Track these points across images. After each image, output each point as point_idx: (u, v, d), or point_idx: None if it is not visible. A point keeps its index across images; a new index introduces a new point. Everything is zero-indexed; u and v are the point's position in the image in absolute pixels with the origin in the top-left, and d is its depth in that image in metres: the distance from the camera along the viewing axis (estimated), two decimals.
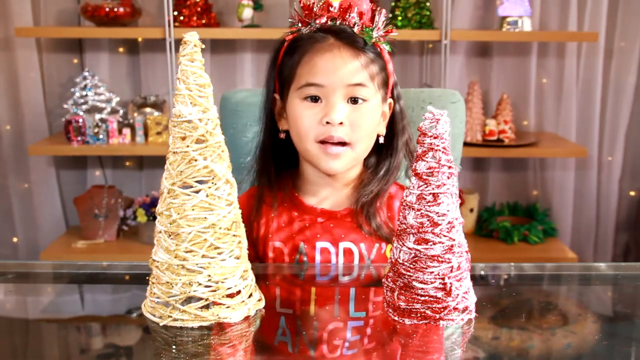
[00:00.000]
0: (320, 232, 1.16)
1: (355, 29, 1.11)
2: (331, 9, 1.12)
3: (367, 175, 1.20)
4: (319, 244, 1.15)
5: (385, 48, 1.15)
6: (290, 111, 1.14)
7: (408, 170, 1.34)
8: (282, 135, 1.18)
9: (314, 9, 1.13)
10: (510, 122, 2.65)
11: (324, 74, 1.10)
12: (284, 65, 1.15)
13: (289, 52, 1.14)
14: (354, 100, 1.11)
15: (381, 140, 1.18)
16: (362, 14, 1.12)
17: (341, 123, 1.09)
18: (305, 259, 1.15)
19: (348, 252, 1.15)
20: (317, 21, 1.12)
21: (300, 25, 1.14)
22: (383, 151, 1.20)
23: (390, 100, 1.19)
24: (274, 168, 1.20)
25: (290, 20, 1.16)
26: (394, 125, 1.20)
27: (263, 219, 1.19)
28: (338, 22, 1.12)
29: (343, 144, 1.11)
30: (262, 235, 1.18)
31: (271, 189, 1.19)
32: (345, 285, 1.04)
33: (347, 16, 1.11)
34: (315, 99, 1.11)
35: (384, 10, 1.14)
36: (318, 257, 1.15)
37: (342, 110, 1.09)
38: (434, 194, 0.83)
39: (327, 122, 1.09)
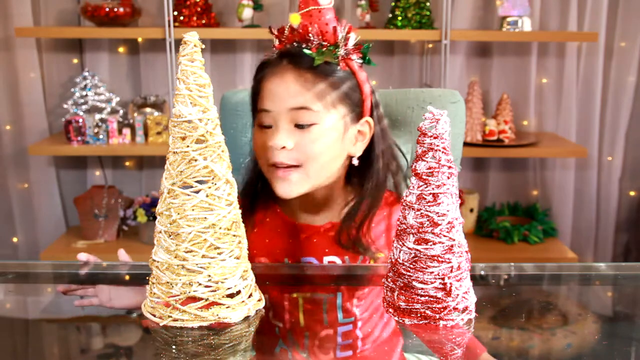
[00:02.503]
0: (303, 247, 1.15)
1: (312, 49, 1.07)
2: (293, 31, 1.09)
3: (349, 194, 1.18)
4: (304, 259, 1.15)
5: (356, 64, 1.11)
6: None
7: (408, 171, 1.34)
8: None
9: (285, 33, 1.11)
10: (510, 122, 2.65)
11: (270, 99, 1.08)
12: (252, 91, 1.14)
13: (255, 78, 1.13)
14: (299, 126, 1.07)
15: (355, 162, 1.14)
16: (325, 33, 1.08)
17: (284, 147, 1.06)
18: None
19: (323, 265, 1.14)
20: (281, 44, 1.10)
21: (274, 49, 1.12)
22: (364, 171, 1.17)
23: (367, 119, 1.15)
24: (260, 185, 1.18)
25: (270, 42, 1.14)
26: (372, 147, 1.16)
27: (246, 234, 1.18)
28: (302, 45, 1.08)
29: (291, 166, 1.08)
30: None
31: (254, 205, 1.18)
32: (344, 284, 1.04)
33: (306, 36, 1.08)
34: (267, 125, 1.09)
35: (350, 26, 1.10)
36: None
37: (285, 136, 1.06)
38: (434, 194, 0.83)
39: (272, 147, 1.07)
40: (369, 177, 1.15)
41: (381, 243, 1.15)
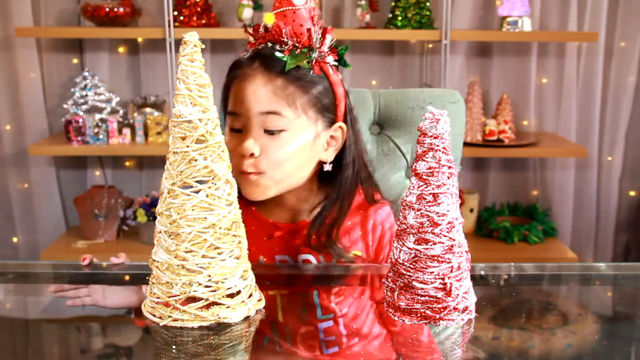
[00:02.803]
0: (278, 245, 1.15)
1: (285, 51, 1.04)
2: (266, 30, 1.06)
3: (322, 195, 1.16)
4: (278, 257, 1.14)
5: (330, 67, 1.09)
6: None
7: (408, 170, 1.34)
8: None
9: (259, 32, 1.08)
10: (510, 122, 2.65)
11: (240, 102, 1.06)
12: (223, 91, 1.12)
13: (227, 78, 1.11)
14: (269, 131, 1.05)
15: (327, 167, 1.12)
16: (299, 34, 1.05)
17: (252, 154, 1.05)
18: None
19: (307, 263, 1.14)
20: (254, 44, 1.07)
21: (248, 48, 1.09)
22: (334, 177, 1.14)
23: (340, 124, 1.12)
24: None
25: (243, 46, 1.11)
26: (342, 154, 1.14)
27: None
28: (275, 45, 1.05)
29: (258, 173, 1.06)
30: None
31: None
32: (343, 284, 1.04)
33: (280, 37, 1.05)
34: (237, 128, 1.07)
35: (325, 28, 1.07)
36: None
37: (253, 142, 1.04)
38: (434, 194, 0.83)
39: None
40: (337, 183, 1.13)
41: (359, 247, 1.14)
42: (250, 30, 1.09)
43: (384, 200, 1.18)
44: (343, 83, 1.13)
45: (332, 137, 1.12)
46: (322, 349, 0.82)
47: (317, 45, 1.06)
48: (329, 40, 1.07)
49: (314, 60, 1.06)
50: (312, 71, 1.06)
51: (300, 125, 1.07)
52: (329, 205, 1.13)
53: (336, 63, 1.11)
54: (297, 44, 1.05)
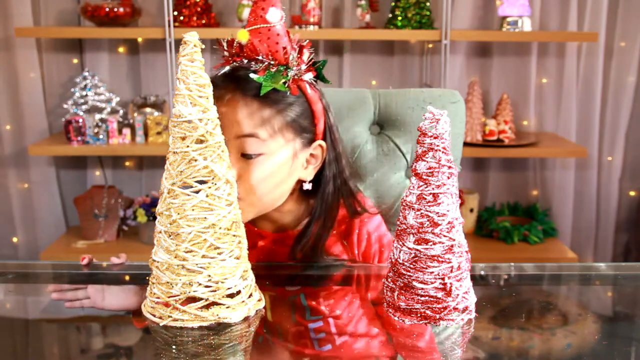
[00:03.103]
0: (261, 255, 1.14)
1: (260, 71, 1.01)
2: (242, 48, 1.03)
3: (306, 209, 1.15)
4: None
5: (307, 85, 1.06)
6: None
7: (408, 170, 1.34)
8: None
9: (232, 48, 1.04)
10: (510, 122, 2.65)
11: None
12: None
13: None
14: (247, 156, 1.02)
15: (306, 186, 1.10)
16: (275, 52, 1.01)
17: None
18: None
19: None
20: (228, 62, 1.04)
21: (223, 62, 1.06)
22: (315, 194, 1.13)
23: (320, 142, 1.10)
24: None
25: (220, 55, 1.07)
26: (322, 171, 1.12)
27: None
28: (250, 62, 1.02)
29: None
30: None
31: None
32: (344, 283, 1.04)
33: (254, 56, 1.02)
34: None
35: (301, 45, 1.04)
36: None
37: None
38: (434, 194, 0.83)
39: None
40: (319, 199, 1.12)
41: (344, 258, 1.14)
42: (225, 45, 1.05)
43: (374, 209, 1.17)
44: (322, 98, 1.10)
45: (311, 155, 1.10)
46: (315, 347, 0.82)
47: (295, 64, 1.03)
48: (306, 56, 1.05)
49: (290, 80, 1.03)
50: (288, 92, 1.03)
51: (277, 147, 1.04)
52: (313, 221, 1.11)
53: (314, 80, 1.08)
54: (272, 63, 1.02)
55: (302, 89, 1.06)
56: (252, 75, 1.01)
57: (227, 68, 1.05)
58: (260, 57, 1.02)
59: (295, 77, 1.04)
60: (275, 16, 1.01)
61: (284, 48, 1.02)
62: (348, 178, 1.15)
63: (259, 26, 1.02)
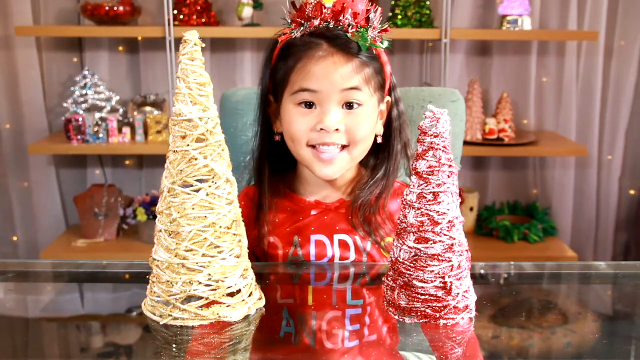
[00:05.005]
0: (314, 225, 1.16)
1: (350, 32, 1.09)
2: (324, 10, 1.09)
3: (365, 175, 1.20)
4: (314, 237, 1.15)
5: (382, 48, 1.13)
6: (284, 116, 1.14)
7: (408, 170, 1.34)
8: (278, 138, 1.18)
9: (307, 11, 1.10)
10: (510, 121, 2.65)
11: (318, 80, 1.09)
12: (278, 70, 1.14)
13: (283, 57, 1.13)
14: (349, 105, 1.10)
15: (379, 140, 1.18)
16: (357, 15, 1.10)
17: (337, 130, 1.09)
18: (300, 252, 1.15)
19: (343, 244, 1.15)
20: (310, 24, 1.10)
21: (293, 26, 1.12)
22: (381, 152, 1.20)
23: (388, 99, 1.18)
24: (270, 169, 1.20)
25: (283, 19, 1.14)
26: (391, 128, 1.19)
27: (258, 217, 1.19)
28: (332, 25, 1.10)
29: (341, 147, 1.11)
30: (257, 233, 1.18)
31: (265, 189, 1.19)
32: (344, 283, 1.04)
33: (340, 18, 1.09)
34: (309, 104, 1.11)
35: (379, 9, 1.11)
36: (313, 250, 1.15)
37: (336, 117, 1.09)
38: (434, 192, 0.83)
39: (322, 129, 1.09)
40: (383, 158, 1.19)
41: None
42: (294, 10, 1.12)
43: None
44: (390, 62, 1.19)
45: (381, 111, 1.18)
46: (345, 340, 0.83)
47: (374, 25, 1.10)
48: (378, 19, 1.12)
49: (371, 40, 1.11)
50: (373, 51, 1.12)
51: (369, 99, 1.12)
52: (371, 183, 1.17)
53: (384, 46, 1.15)
54: (352, 24, 1.10)
55: (376, 50, 1.14)
56: (348, 34, 1.09)
57: (309, 28, 1.10)
58: (347, 20, 1.09)
59: (374, 38, 1.11)
60: None
61: (367, 11, 1.10)
62: (410, 139, 1.22)
63: None
